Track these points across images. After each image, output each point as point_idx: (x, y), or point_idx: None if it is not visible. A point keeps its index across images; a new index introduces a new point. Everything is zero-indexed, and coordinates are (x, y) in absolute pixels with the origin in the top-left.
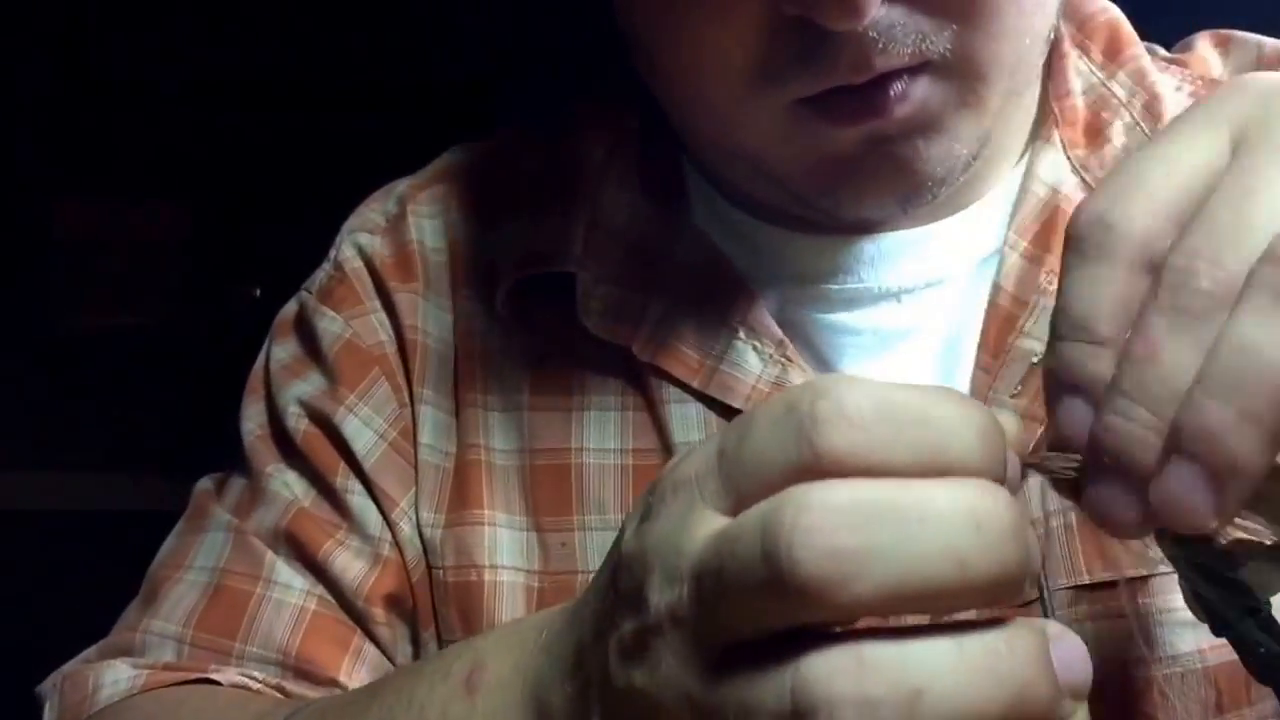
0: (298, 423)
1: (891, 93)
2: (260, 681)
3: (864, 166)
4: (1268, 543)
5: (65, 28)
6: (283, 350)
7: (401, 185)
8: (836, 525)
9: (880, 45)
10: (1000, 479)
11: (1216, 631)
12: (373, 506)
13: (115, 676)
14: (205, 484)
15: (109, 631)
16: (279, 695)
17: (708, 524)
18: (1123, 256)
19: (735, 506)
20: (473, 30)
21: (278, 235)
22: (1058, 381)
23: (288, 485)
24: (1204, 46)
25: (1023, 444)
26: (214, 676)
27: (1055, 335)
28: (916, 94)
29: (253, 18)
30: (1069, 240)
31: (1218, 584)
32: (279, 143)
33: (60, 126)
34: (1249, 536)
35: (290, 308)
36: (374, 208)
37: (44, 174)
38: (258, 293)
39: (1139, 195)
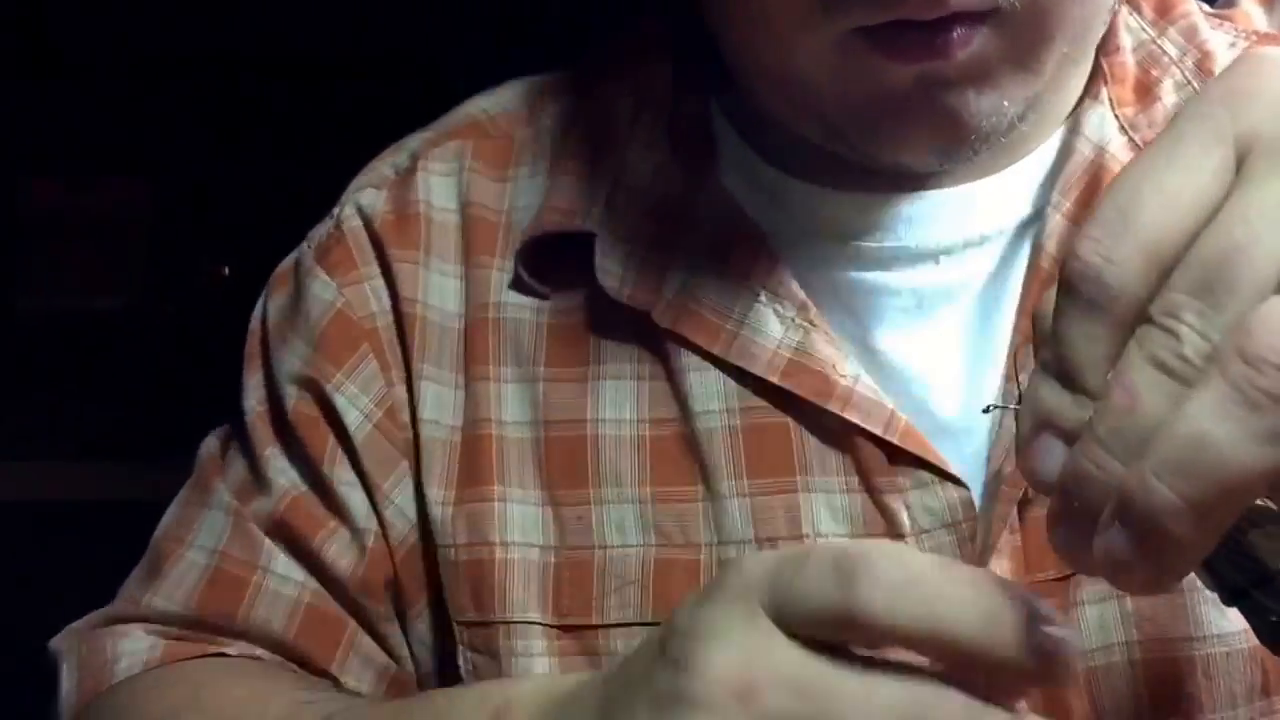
0: (295, 404)
1: (954, 35)
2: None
3: (911, 108)
4: (1276, 509)
5: (12, 2)
6: (276, 306)
7: (415, 140)
8: (780, 689)
9: None
10: (997, 662)
11: (1227, 601)
12: (361, 494)
13: (134, 646)
14: (211, 446)
15: None
16: (294, 672)
17: (753, 628)
18: (1117, 313)
19: (778, 619)
20: None
21: (247, 211)
22: (1038, 418)
23: (284, 472)
24: (1248, 3)
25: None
26: (226, 651)
27: (1045, 369)
28: (977, 42)
29: None
30: (1064, 278)
31: (1229, 551)
32: (244, 115)
33: (16, 103)
34: (1259, 503)
35: (290, 260)
36: (386, 161)
37: (3, 153)
38: (227, 271)
39: (1135, 240)
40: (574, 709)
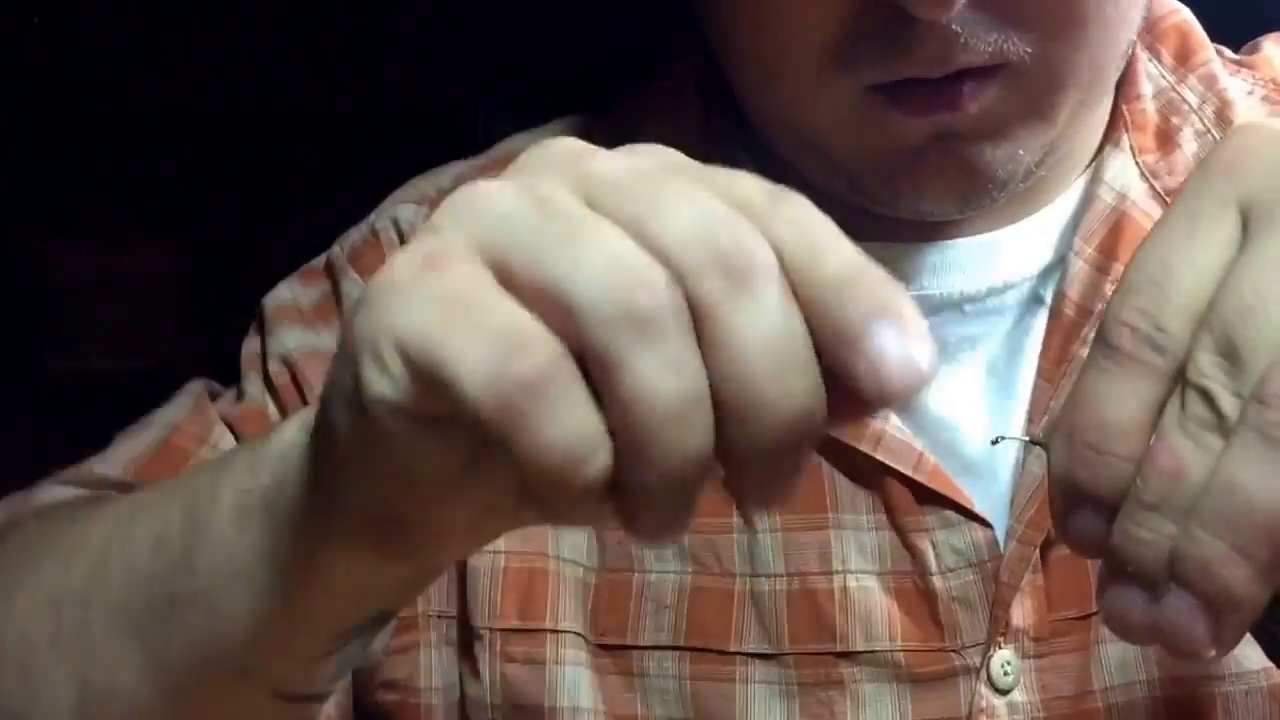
0: (281, 374)
1: (965, 88)
2: None
3: (927, 160)
4: None
5: (38, 61)
6: (295, 293)
7: (461, 165)
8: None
9: (962, 40)
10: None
11: None
12: None
13: (56, 496)
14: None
15: None
16: None
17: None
18: (1161, 372)
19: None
20: (468, 51)
21: (279, 271)
22: (1074, 490)
23: (261, 392)
24: (1272, 49)
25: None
26: None
27: (1078, 435)
28: (989, 94)
29: (237, 45)
30: (1111, 343)
31: None
32: (275, 175)
33: (43, 165)
34: None
35: (318, 260)
36: (428, 179)
37: (28, 215)
38: None
39: (1181, 309)
40: None
